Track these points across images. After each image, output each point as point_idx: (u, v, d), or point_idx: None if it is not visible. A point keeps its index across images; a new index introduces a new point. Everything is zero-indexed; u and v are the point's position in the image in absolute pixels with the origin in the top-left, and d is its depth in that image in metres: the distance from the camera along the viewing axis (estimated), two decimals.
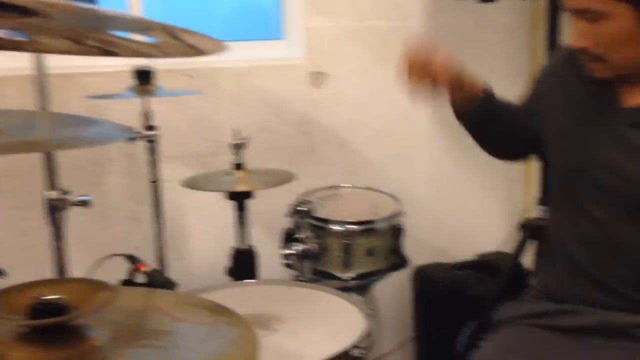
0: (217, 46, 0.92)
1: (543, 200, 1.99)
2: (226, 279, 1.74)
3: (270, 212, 2.03)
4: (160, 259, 1.75)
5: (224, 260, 1.78)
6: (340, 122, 2.15)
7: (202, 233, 2.05)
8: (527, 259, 1.96)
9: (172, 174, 1.93)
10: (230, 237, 1.78)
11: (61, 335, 0.82)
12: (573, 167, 1.28)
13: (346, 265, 1.71)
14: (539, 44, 2.21)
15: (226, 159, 1.81)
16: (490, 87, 1.40)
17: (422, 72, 1.26)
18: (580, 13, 1.12)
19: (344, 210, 1.81)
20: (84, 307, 0.84)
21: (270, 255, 1.80)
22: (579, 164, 1.26)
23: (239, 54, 2.06)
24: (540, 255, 1.53)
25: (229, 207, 1.74)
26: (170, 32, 0.85)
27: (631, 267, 1.20)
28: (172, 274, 1.64)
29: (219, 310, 1.03)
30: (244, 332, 0.96)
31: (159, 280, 1.35)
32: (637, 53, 1.12)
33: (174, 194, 1.96)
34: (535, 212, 2.06)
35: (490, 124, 1.38)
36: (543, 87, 1.39)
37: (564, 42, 1.20)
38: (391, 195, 1.90)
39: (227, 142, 1.71)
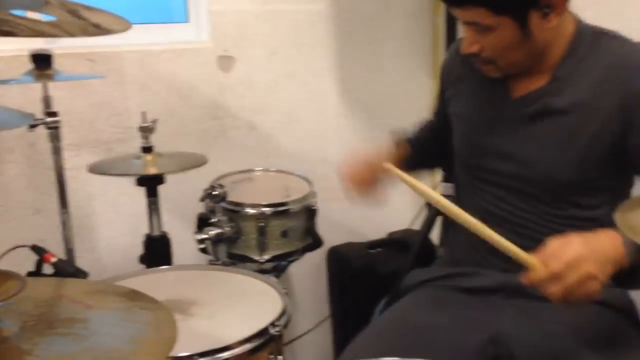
0: (122, 25, 0.90)
1: (447, 178, 2.08)
2: (140, 267, 1.71)
3: (182, 197, 2.01)
4: (69, 251, 1.68)
5: (137, 249, 1.74)
6: (250, 106, 2.14)
7: (112, 222, 2.00)
8: (435, 235, 2.05)
9: (76, 161, 1.86)
10: (142, 225, 1.74)
11: None
12: (471, 151, 1.37)
13: (261, 247, 1.72)
14: (440, 29, 2.29)
15: (134, 145, 1.75)
16: (404, 135, 1.57)
17: (361, 183, 1.47)
18: (469, 24, 1.21)
19: (258, 194, 1.81)
20: None
21: (184, 241, 1.78)
22: (476, 149, 1.35)
23: (143, 38, 2.01)
24: (445, 228, 1.61)
25: (140, 194, 1.71)
26: (70, 9, 0.82)
27: (520, 235, 1.30)
28: (82, 265, 1.58)
29: (133, 296, 1.02)
30: (160, 316, 0.96)
31: (68, 271, 1.31)
32: (521, 57, 1.22)
33: (80, 183, 1.89)
34: (441, 189, 2.15)
35: (426, 154, 1.59)
36: (445, 79, 1.49)
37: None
38: (303, 178, 1.92)
39: (134, 128, 1.67)
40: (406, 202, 2.50)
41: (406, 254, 2.07)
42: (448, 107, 1.46)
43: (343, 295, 2.23)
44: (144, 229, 1.74)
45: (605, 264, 1.02)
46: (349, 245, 2.30)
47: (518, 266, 1.30)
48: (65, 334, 0.86)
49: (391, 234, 2.38)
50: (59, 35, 0.94)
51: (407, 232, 2.30)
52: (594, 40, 1.23)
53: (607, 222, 1.00)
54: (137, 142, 1.67)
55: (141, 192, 1.69)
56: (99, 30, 0.90)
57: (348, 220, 2.39)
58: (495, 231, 1.32)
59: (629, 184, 1.29)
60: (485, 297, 1.32)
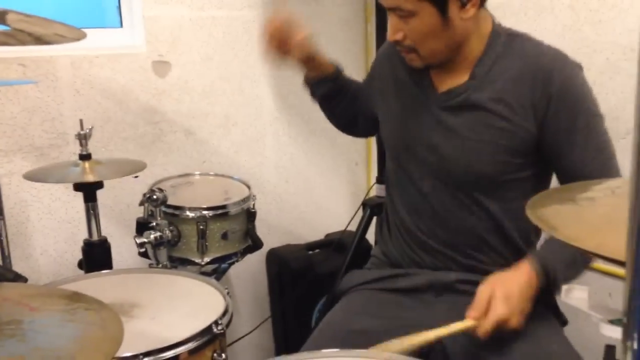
0: (76, 34, 0.91)
1: (381, 180, 2.16)
2: (79, 272, 1.69)
3: (121, 202, 2.00)
4: (4, 257, 1.65)
5: (74, 255, 1.73)
6: (187, 111, 2.16)
7: (47, 228, 1.96)
8: (371, 234, 2.12)
9: (9, 167, 1.82)
10: (78, 231, 1.73)
11: None
12: (401, 146, 1.44)
13: (202, 250, 1.74)
14: (371, 36, 2.38)
15: (68, 151, 1.74)
16: (340, 65, 1.57)
17: (280, 43, 1.41)
18: (393, 10, 1.28)
19: (197, 197, 1.83)
20: None
21: (123, 246, 1.78)
22: (406, 143, 1.42)
23: (76, 42, 1.99)
24: (380, 227, 1.67)
25: (75, 199, 1.69)
26: (21, 19, 0.83)
27: (448, 230, 1.38)
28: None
29: (77, 297, 1.02)
30: (105, 315, 0.97)
31: (6, 276, 1.29)
32: (441, 45, 1.29)
33: (13, 189, 1.86)
34: (375, 190, 2.23)
35: (339, 99, 1.58)
36: (375, 74, 1.56)
37: None
38: (241, 181, 1.95)
39: (69, 134, 1.65)
40: (343, 205, 2.57)
41: (343, 254, 2.13)
42: (375, 101, 1.53)
43: (283, 296, 2.26)
44: (80, 235, 1.72)
45: (525, 304, 1.20)
46: (287, 247, 2.34)
47: (448, 264, 1.39)
48: (12, 335, 0.86)
49: (328, 235, 2.44)
50: (12, 44, 0.94)
51: (344, 234, 2.36)
52: (508, 40, 1.32)
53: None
54: (72, 148, 1.66)
55: (77, 197, 1.68)
56: (53, 38, 0.91)
57: (286, 223, 2.44)
58: (425, 225, 1.41)
59: (547, 177, 1.38)
60: (417, 295, 1.39)
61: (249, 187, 1.91)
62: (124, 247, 1.96)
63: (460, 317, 1.20)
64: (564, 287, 1.22)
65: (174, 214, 1.72)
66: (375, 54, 2.11)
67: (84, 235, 1.69)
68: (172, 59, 2.10)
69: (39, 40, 0.90)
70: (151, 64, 2.07)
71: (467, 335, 1.21)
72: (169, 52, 2.09)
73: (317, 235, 2.46)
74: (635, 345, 0.50)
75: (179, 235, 1.72)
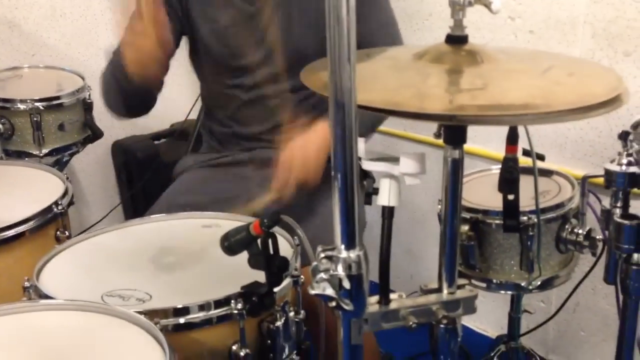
0: None
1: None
2: None
3: None
4: None
5: None
6: (8, 2, 2.06)
7: None
8: None
9: None
10: None
11: None
12: (231, 51, 1.51)
13: (39, 142, 1.75)
14: None
15: None
16: None
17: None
18: None
19: (28, 90, 1.81)
20: None
21: None
22: (237, 47, 1.49)
23: None
24: (207, 117, 1.76)
25: None
26: None
27: (267, 114, 1.52)
28: None
29: None
30: None
31: None
32: None
33: None
34: None
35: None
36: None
37: None
38: (75, 72, 1.95)
39: None
40: (185, 94, 2.62)
41: (187, 142, 2.23)
42: (194, 25, 1.51)
43: (131, 185, 2.34)
44: None
45: (322, 160, 1.32)
46: (133, 138, 2.39)
47: (263, 144, 1.53)
48: None
49: (173, 125, 2.51)
50: None
51: (187, 123, 2.44)
52: None
53: None
54: None
55: None
56: None
57: None
58: (253, 119, 1.53)
59: None
60: (238, 169, 1.55)
61: (83, 78, 1.91)
62: None
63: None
64: None
65: (4, 107, 1.71)
66: None
67: None
68: None
69: None
70: None
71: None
72: None
73: (163, 125, 2.52)
74: None
75: (12, 128, 1.72)
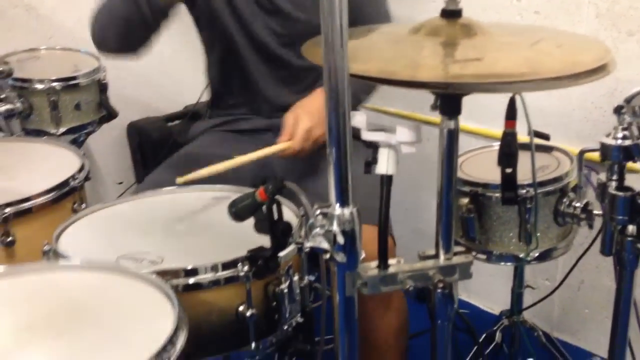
0: None
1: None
2: None
3: None
4: None
5: None
6: None
7: None
8: None
9: None
10: None
11: None
12: (243, 31, 1.58)
13: (56, 121, 1.81)
14: None
15: None
16: None
17: None
18: None
19: (45, 70, 1.87)
20: None
21: None
22: (248, 24, 1.56)
23: None
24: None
25: None
26: None
27: (288, 85, 1.58)
28: None
29: None
30: None
31: None
32: None
33: None
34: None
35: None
36: None
37: None
38: (90, 54, 2.00)
39: None
40: (197, 77, 2.66)
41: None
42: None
43: (145, 165, 2.39)
44: None
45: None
46: (147, 120, 2.45)
47: (281, 113, 1.59)
48: None
49: (187, 107, 2.56)
50: None
51: (199, 105, 2.48)
52: None
53: None
54: None
55: None
56: None
57: (144, 97, 2.51)
58: (260, 97, 1.60)
59: None
60: (256, 136, 1.60)
61: (98, 59, 1.96)
62: None
63: None
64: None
65: (23, 87, 1.77)
66: None
67: None
68: None
69: None
70: None
71: (290, 161, 1.41)
72: None
73: (177, 107, 2.57)
74: None
75: (30, 107, 1.78)
